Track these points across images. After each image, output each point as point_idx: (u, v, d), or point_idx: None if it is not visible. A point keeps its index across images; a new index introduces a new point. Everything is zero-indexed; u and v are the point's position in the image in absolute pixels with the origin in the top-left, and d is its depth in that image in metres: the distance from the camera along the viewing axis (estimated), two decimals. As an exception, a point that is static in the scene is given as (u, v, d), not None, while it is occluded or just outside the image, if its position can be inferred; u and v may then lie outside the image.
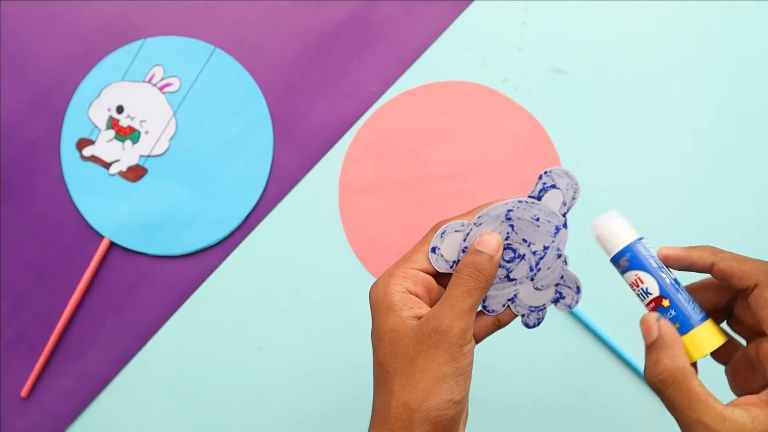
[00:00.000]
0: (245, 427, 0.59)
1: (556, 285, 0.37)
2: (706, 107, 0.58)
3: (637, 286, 0.33)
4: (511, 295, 0.37)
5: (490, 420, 0.57)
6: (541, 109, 0.58)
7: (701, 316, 0.32)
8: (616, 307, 0.56)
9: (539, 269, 0.36)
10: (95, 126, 0.60)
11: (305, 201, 0.59)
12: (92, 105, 0.60)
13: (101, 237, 0.59)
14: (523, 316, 0.38)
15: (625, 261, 0.34)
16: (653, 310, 0.33)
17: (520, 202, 0.35)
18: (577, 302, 0.37)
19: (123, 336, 0.59)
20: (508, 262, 0.36)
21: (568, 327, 0.57)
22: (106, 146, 0.59)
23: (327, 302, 0.59)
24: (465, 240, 0.36)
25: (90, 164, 0.59)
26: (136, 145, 0.59)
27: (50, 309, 0.59)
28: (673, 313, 0.32)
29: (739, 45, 0.58)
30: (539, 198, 0.35)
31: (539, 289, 0.37)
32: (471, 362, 0.33)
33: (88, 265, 0.59)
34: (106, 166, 0.59)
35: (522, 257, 0.36)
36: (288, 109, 0.59)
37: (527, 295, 0.37)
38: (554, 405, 0.57)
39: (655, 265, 0.33)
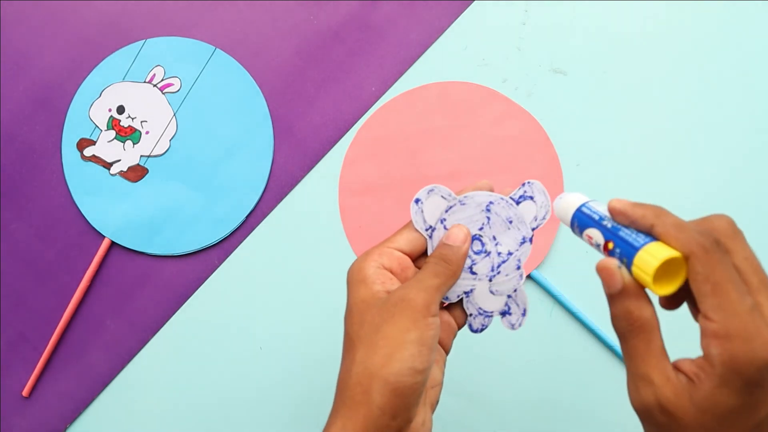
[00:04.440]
0: (245, 426, 0.59)
1: (509, 297, 0.39)
2: (707, 107, 0.58)
3: (592, 244, 0.34)
4: (468, 288, 0.38)
5: (488, 417, 0.57)
6: (541, 109, 0.58)
7: (645, 240, 0.30)
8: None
9: (499, 272, 0.38)
10: (96, 126, 0.60)
11: (305, 201, 0.59)
12: (93, 105, 0.60)
13: (102, 237, 0.59)
14: (470, 315, 0.39)
15: (576, 228, 0.35)
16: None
17: (502, 199, 0.37)
18: (520, 324, 0.39)
19: (123, 336, 0.59)
20: (475, 254, 0.38)
21: (566, 324, 0.57)
22: (106, 146, 0.60)
23: (327, 302, 0.59)
24: (447, 211, 0.37)
25: (91, 164, 0.60)
26: (137, 146, 0.60)
27: (51, 308, 0.59)
28: (618, 250, 0.31)
29: (740, 45, 0.58)
30: (517, 203, 0.38)
31: (493, 294, 0.39)
32: (435, 336, 0.34)
33: (88, 264, 0.59)
34: (107, 166, 0.60)
35: (488, 254, 0.38)
36: (288, 109, 0.59)
37: (481, 294, 0.39)
38: (551, 401, 0.57)
39: (597, 217, 0.34)
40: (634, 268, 0.30)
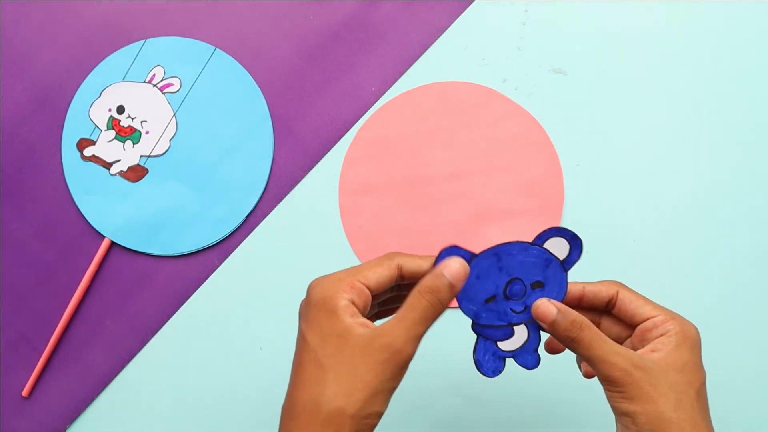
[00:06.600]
0: (245, 427, 0.59)
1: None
2: (707, 106, 0.58)
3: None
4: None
5: (486, 417, 0.57)
6: (541, 109, 0.58)
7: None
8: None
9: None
10: (96, 126, 0.60)
11: (305, 201, 0.59)
12: (93, 105, 0.60)
13: (102, 237, 0.59)
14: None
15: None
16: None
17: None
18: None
19: (123, 336, 0.59)
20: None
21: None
22: (106, 146, 0.60)
23: (327, 302, 0.59)
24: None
25: (91, 164, 0.60)
26: (137, 146, 0.60)
27: (51, 309, 0.59)
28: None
29: (740, 45, 0.58)
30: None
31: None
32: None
33: (88, 264, 0.59)
34: (107, 166, 0.60)
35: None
36: (288, 109, 0.59)
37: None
38: (553, 400, 0.57)
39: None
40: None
